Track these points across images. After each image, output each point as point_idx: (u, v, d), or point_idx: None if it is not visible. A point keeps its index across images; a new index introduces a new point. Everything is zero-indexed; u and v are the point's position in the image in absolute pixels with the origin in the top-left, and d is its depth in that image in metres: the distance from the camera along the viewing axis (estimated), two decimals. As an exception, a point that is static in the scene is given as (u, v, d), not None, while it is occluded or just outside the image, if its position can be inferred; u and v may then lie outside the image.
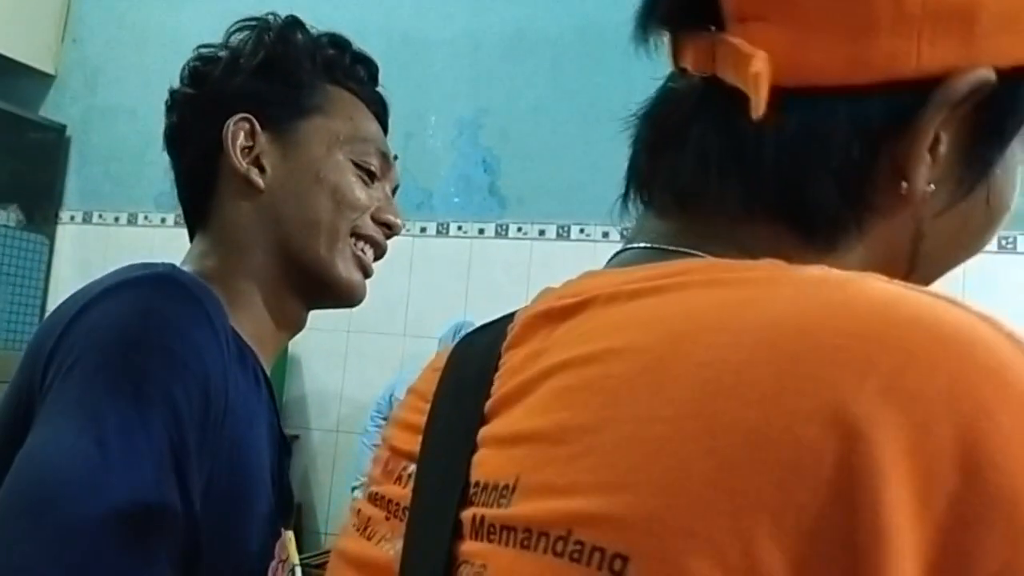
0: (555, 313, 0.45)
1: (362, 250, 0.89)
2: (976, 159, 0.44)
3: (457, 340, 0.56)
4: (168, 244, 3.83)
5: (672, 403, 0.36)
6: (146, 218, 4.21)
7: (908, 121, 0.42)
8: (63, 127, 4.35)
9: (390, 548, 0.47)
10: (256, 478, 0.78)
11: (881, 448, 0.31)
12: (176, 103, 0.90)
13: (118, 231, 4.25)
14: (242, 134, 0.86)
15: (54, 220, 4.32)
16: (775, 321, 0.36)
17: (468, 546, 0.40)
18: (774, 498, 0.32)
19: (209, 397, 0.69)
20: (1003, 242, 3.14)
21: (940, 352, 0.33)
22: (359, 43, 0.97)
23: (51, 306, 3.85)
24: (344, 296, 0.89)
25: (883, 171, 0.43)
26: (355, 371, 3.80)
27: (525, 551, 0.37)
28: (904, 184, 0.43)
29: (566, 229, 3.55)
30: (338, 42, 0.94)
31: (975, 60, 0.41)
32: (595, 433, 0.37)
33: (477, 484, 0.42)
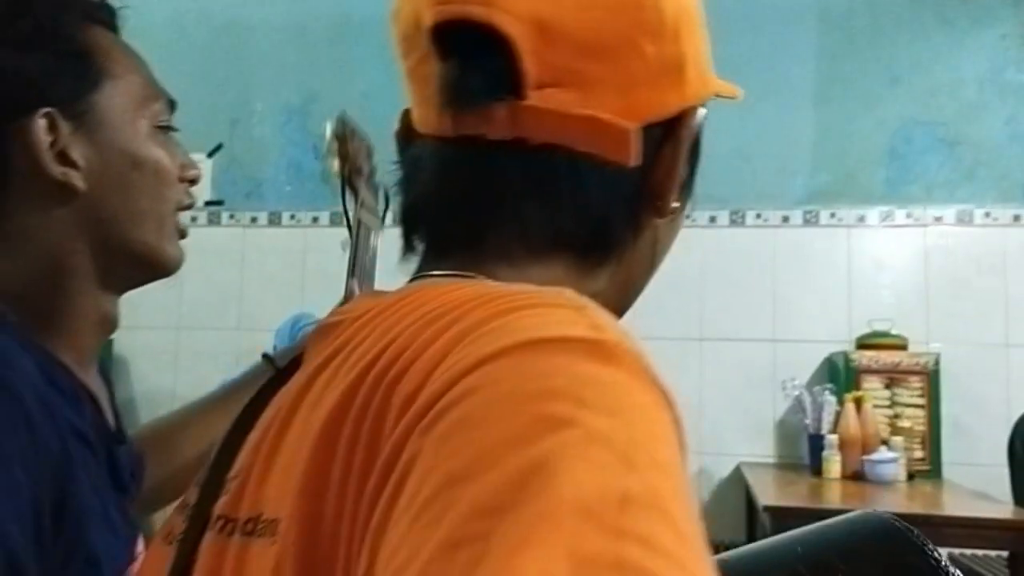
0: (323, 330, 0.53)
1: (179, 218, 0.82)
2: (690, 175, 0.58)
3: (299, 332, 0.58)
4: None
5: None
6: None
7: (661, 153, 0.54)
8: None
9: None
10: (94, 513, 0.72)
11: None
12: None
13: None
14: (43, 133, 0.72)
15: None
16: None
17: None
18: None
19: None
20: (807, 216, 3.36)
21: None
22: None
23: None
24: (169, 272, 0.81)
25: (646, 195, 0.55)
26: (187, 369, 3.67)
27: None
28: (659, 202, 0.55)
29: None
30: None
31: (691, 101, 0.55)
32: None
33: None
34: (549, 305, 0.41)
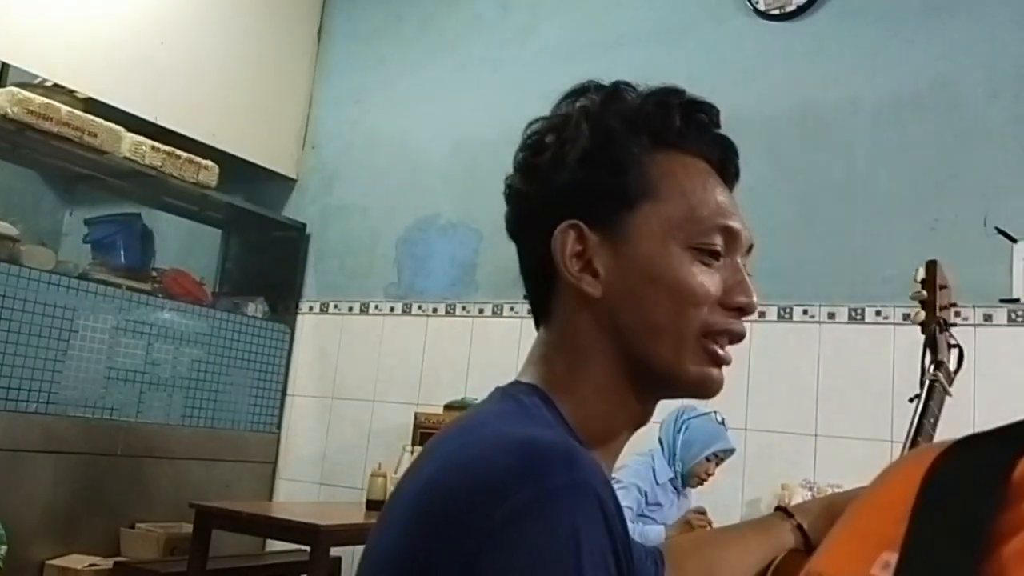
0: None
1: (716, 342, 0.81)
2: None
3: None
4: (396, 330, 4.24)
5: None
6: (376, 307, 4.36)
7: None
8: (303, 225, 4.61)
9: None
10: None
11: None
12: (512, 196, 0.85)
13: (351, 319, 4.40)
14: (570, 242, 0.80)
15: (295, 310, 4.54)
16: None
17: None
18: None
19: None
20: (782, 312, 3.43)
21: None
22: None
23: (292, 389, 4.45)
24: (696, 393, 0.83)
25: None
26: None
27: None
28: None
29: (787, 310, 3.42)
30: (665, 101, 0.83)
31: None
32: None
33: None
34: None
